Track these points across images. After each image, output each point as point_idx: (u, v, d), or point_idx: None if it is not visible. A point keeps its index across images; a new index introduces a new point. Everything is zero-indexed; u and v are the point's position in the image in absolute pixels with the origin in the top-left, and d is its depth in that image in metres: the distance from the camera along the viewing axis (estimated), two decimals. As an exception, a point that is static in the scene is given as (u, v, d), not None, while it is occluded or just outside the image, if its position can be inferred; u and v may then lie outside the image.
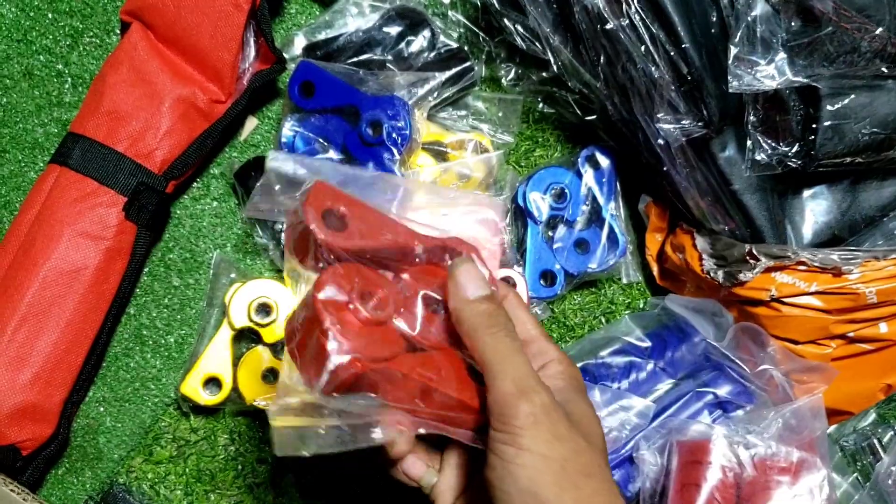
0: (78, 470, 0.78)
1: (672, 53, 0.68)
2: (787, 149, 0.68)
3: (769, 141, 0.69)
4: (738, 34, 0.63)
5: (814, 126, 0.67)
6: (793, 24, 0.63)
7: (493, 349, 0.45)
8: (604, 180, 0.82)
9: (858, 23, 0.62)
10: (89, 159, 0.75)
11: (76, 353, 0.74)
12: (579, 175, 0.82)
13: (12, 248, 0.74)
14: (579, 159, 0.82)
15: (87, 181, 0.75)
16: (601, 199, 0.82)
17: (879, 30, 0.62)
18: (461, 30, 0.84)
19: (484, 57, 0.84)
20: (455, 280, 0.47)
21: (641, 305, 0.85)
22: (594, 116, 0.81)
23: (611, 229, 0.81)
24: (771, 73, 0.64)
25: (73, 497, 0.78)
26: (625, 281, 0.84)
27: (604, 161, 0.82)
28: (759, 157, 0.68)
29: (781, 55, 0.65)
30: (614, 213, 0.82)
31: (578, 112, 0.81)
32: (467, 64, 0.80)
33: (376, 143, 0.75)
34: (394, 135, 0.74)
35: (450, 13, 0.84)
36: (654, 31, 0.68)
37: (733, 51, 0.63)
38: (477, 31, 0.84)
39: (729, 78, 0.63)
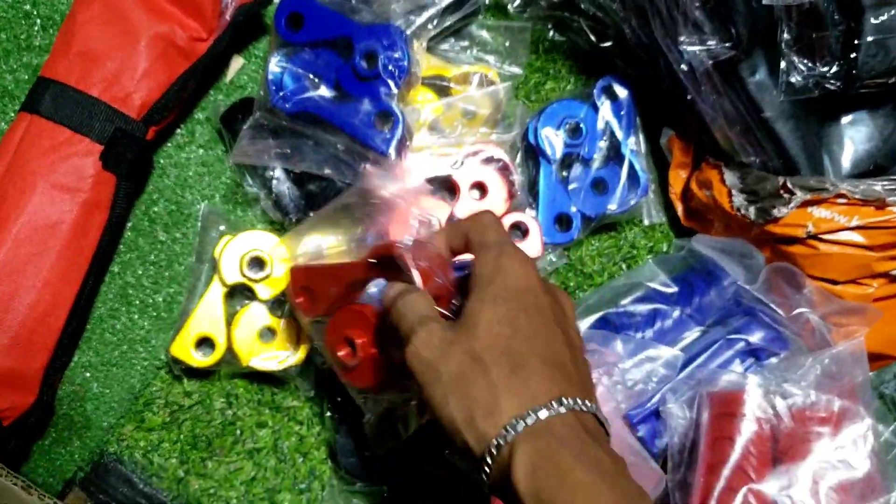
0: (65, 440, 0.73)
1: (697, -34, 0.61)
2: (825, 69, 0.62)
3: (805, 61, 0.62)
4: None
5: (856, 42, 0.60)
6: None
7: (398, 309, 0.50)
8: (622, 113, 0.76)
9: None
10: (61, 105, 0.69)
11: (56, 316, 0.68)
12: (595, 108, 0.75)
13: (-19, 204, 0.68)
14: (595, 91, 0.75)
15: (60, 129, 0.68)
16: (619, 134, 0.75)
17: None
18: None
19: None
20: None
21: (665, 248, 0.79)
22: (610, 43, 0.74)
23: (631, 166, 0.75)
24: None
25: (61, 468, 0.73)
26: (647, 222, 0.78)
27: (622, 92, 0.76)
28: (794, 79, 0.62)
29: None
30: (634, 149, 0.76)
31: (592, 38, 0.75)
32: (468, -13, 0.73)
33: (371, 76, 0.68)
34: (390, 67, 0.68)
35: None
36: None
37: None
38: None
39: (763, -12, 0.57)
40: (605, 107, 0.75)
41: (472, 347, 0.45)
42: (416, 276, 0.53)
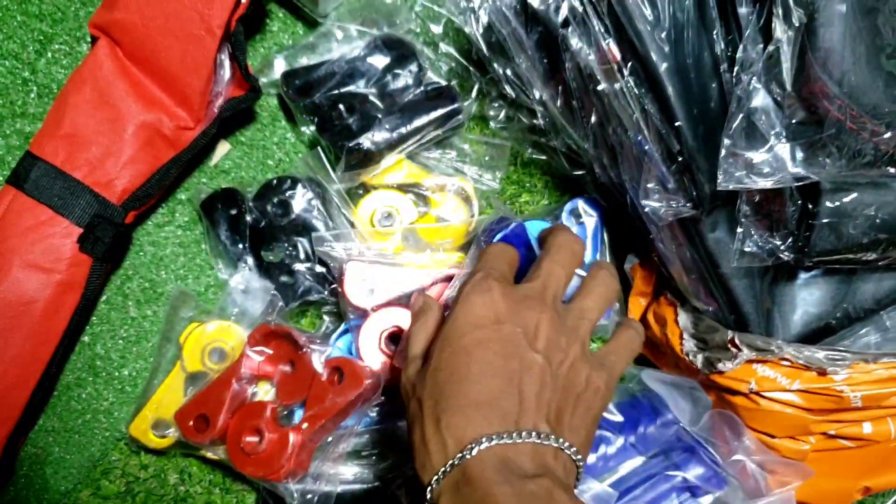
0: (23, 500, 0.76)
1: (663, 130, 0.63)
2: (779, 242, 0.63)
3: (761, 231, 0.64)
4: (734, 125, 0.58)
5: (811, 222, 0.61)
6: (794, 119, 0.57)
7: None
8: (588, 235, 0.77)
9: (866, 124, 0.56)
10: (45, 185, 0.71)
11: (22, 389, 0.71)
12: (563, 230, 0.77)
13: (-41, 276, 0.71)
14: (563, 213, 0.77)
15: (42, 208, 0.71)
16: (585, 257, 0.77)
17: (889, 133, 0.56)
18: (451, 63, 0.79)
19: (474, 94, 0.78)
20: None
21: (619, 369, 0.81)
22: (582, 172, 0.76)
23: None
24: (767, 164, 0.58)
25: (17, 527, 0.77)
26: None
27: (590, 215, 0.77)
28: (749, 247, 0.63)
29: (781, 146, 0.59)
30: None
31: (566, 165, 0.76)
32: (455, 105, 0.75)
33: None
34: None
35: (441, 44, 0.79)
36: (647, 102, 0.63)
37: (726, 143, 0.58)
38: (468, 65, 0.78)
39: (719, 174, 0.58)
40: (571, 229, 0.76)
41: (419, 394, 0.48)
42: None
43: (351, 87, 0.76)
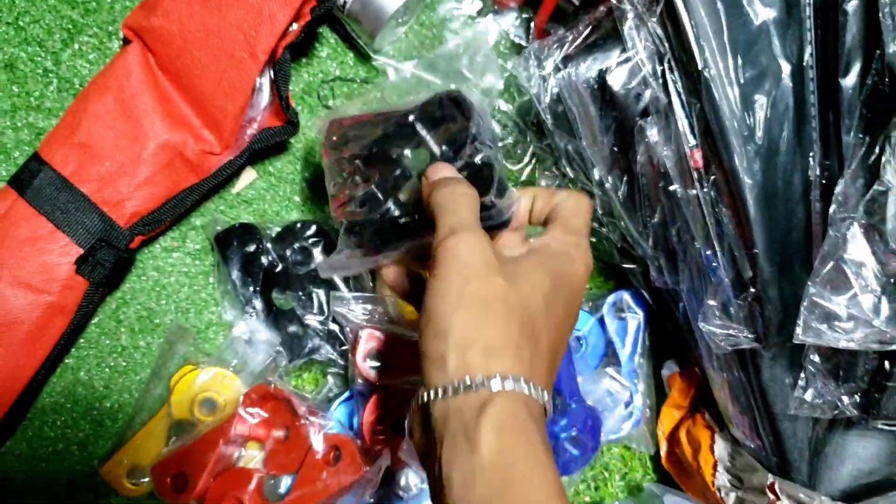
0: (-24, 526, 0.71)
1: (737, 253, 0.56)
2: (845, 396, 0.57)
3: (827, 381, 0.57)
4: (823, 272, 0.51)
5: (885, 382, 0.55)
6: (893, 280, 0.50)
7: (438, 206, 0.47)
8: (630, 332, 0.71)
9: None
10: (49, 195, 0.65)
11: (-6, 410, 0.65)
12: (602, 323, 0.70)
13: (-60, 282, 0.64)
14: (605, 305, 0.70)
15: (42, 221, 0.65)
16: (623, 356, 0.71)
17: None
18: (507, 122, 0.72)
19: (527, 158, 0.72)
20: (427, 172, 0.50)
21: (639, 478, 0.75)
22: (633, 266, 0.69)
23: (630, 394, 0.71)
24: (850, 325, 0.52)
25: (-33, 554, 0.71)
26: (635, 448, 0.73)
27: (634, 313, 0.71)
28: (809, 396, 0.57)
29: (868, 298, 0.53)
30: (636, 371, 0.71)
31: (616, 255, 0.69)
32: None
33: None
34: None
35: (499, 100, 0.72)
36: (724, 218, 0.57)
37: (811, 291, 0.51)
38: (525, 126, 0.72)
39: (798, 325, 0.51)
40: (611, 324, 0.70)
41: (509, 292, 0.43)
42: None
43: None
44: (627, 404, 0.71)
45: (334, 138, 0.58)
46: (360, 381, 0.67)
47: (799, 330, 0.51)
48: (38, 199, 0.65)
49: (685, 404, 0.71)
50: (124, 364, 0.72)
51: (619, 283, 0.73)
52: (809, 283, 0.51)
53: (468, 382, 0.39)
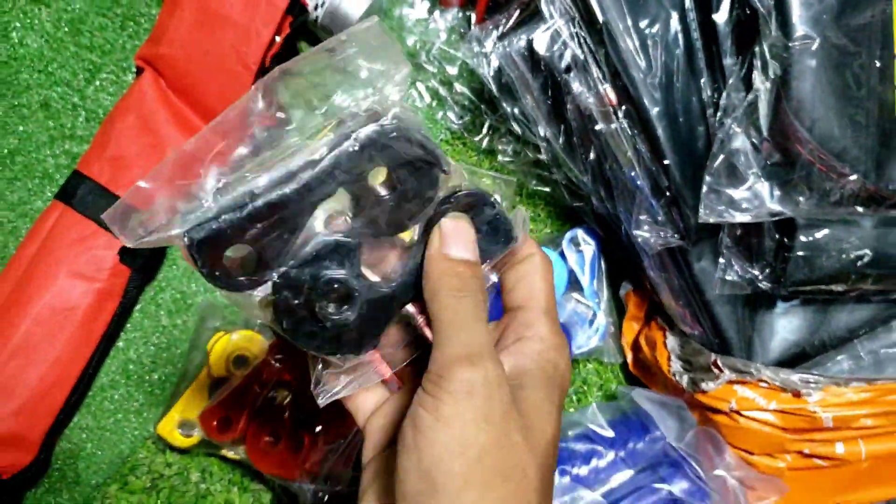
0: (56, 491, 0.82)
1: (653, 168, 0.69)
2: (757, 272, 0.69)
3: (741, 262, 0.70)
4: (716, 164, 0.64)
5: (786, 254, 0.67)
6: (770, 161, 0.64)
7: (453, 311, 0.37)
8: (587, 261, 0.83)
9: (835, 167, 0.62)
10: (91, 202, 0.78)
11: (61, 388, 0.78)
12: (563, 256, 0.83)
13: (10, 282, 0.77)
14: (564, 241, 0.83)
15: (88, 223, 0.78)
16: (584, 281, 0.83)
17: (854, 176, 0.62)
18: (465, 101, 0.86)
19: (485, 130, 0.85)
20: (441, 232, 0.40)
21: (614, 388, 0.87)
22: (581, 203, 0.82)
23: (593, 313, 0.83)
24: (745, 205, 0.65)
25: (50, 516, 0.83)
26: (606, 360, 0.85)
27: (588, 244, 0.83)
28: (730, 276, 0.70)
29: (760, 185, 0.66)
30: (597, 293, 0.84)
31: (567, 196, 0.82)
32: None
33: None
34: None
35: (455, 84, 0.86)
36: (639, 142, 0.70)
37: (708, 181, 0.64)
38: (480, 104, 0.85)
39: (701, 208, 0.64)
40: (571, 256, 0.83)
41: (531, 457, 0.36)
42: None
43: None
44: (592, 322, 0.83)
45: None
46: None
47: (702, 211, 0.64)
48: (83, 206, 0.78)
49: (641, 315, 0.83)
50: (166, 341, 0.84)
51: (573, 222, 0.86)
52: (706, 174, 0.64)
53: None
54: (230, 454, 0.79)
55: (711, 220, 0.64)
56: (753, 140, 0.64)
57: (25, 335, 0.76)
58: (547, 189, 0.85)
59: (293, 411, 0.76)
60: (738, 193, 0.65)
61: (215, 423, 0.77)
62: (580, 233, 0.83)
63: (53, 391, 0.77)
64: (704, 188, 0.64)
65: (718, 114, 0.66)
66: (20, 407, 0.76)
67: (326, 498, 0.74)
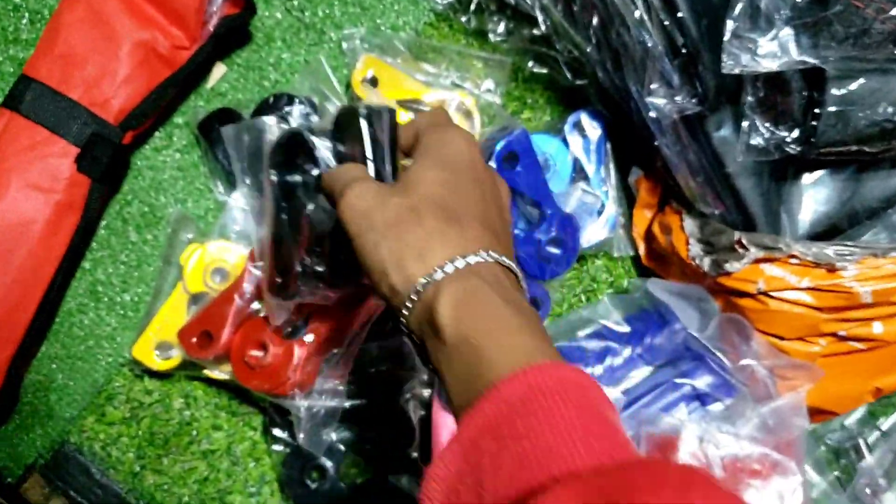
0: (28, 427, 0.76)
1: (667, 22, 0.62)
2: (785, 133, 0.62)
3: (767, 124, 0.63)
4: (739, 7, 0.57)
5: (817, 111, 0.61)
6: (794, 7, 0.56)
7: (329, 177, 0.51)
8: (592, 148, 0.76)
9: (872, 1, 0.55)
10: (41, 106, 0.70)
11: (23, 310, 0.71)
12: (566, 143, 0.76)
13: (-44, 197, 0.70)
14: (566, 126, 0.76)
15: (39, 129, 0.70)
16: (589, 170, 0.76)
17: (895, 9, 0.55)
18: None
19: (472, 7, 0.77)
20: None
21: (625, 285, 0.80)
22: (585, 81, 0.75)
23: (601, 203, 0.76)
24: (772, 52, 0.58)
25: (23, 454, 0.76)
26: (616, 254, 0.79)
27: (593, 128, 0.76)
28: (755, 140, 0.63)
29: (786, 32, 0.58)
30: (604, 180, 0.77)
31: (569, 75, 0.75)
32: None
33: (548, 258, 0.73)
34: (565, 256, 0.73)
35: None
36: (650, -3, 0.62)
37: (731, 26, 0.57)
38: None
39: (724, 57, 0.57)
40: (574, 142, 0.76)
41: (409, 200, 0.45)
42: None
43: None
44: (600, 212, 0.76)
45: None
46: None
47: (725, 60, 0.57)
48: (32, 111, 0.70)
49: (654, 202, 0.76)
50: (136, 258, 0.77)
51: (575, 106, 0.79)
52: (728, 19, 0.57)
53: (418, 288, 0.43)
54: (214, 374, 0.72)
55: (735, 71, 0.57)
56: (781, -22, 0.57)
57: (-22, 255, 0.69)
58: (545, 70, 0.78)
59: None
60: (763, 42, 0.58)
61: (195, 339, 0.70)
62: (584, 116, 0.76)
63: (16, 314, 0.70)
64: (727, 35, 0.57)
65: (739, -48, 0.58)
66: (-22, 333, 0.69)
67: (322, 412, 0.68)
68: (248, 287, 0.70)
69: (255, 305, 0.71)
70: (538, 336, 0.41)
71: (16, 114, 0.70)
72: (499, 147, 0.70)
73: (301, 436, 0.68)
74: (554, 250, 0.72)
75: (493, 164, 0.69)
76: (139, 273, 0.77)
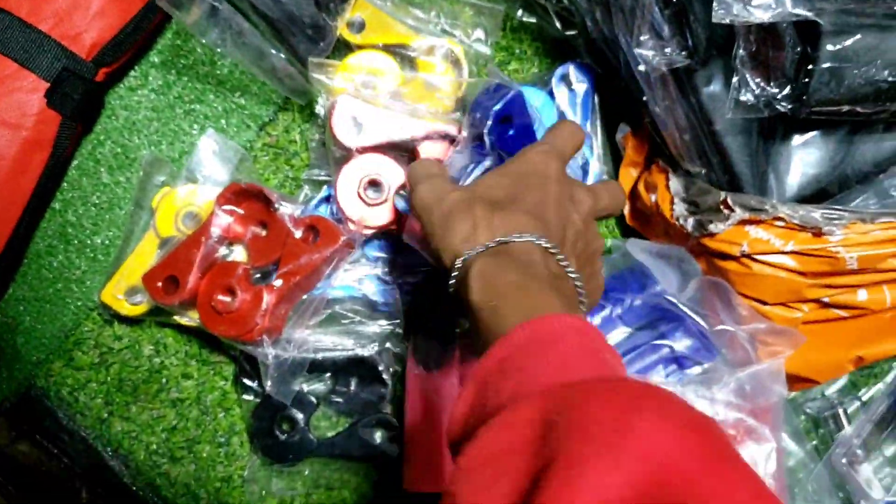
0: (-6, 369, 0.75)
1: (659, -30, 0.60)
2: (776, 90, 0.60)
3: (758, 79, 0.60)
4: (732, -46, 0.54)
5: (810, 67, 0.58)
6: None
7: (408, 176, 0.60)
8: (578, 101, 0.74)
9: (873, -50, 0.53)
10: (9, 38, 0.68)
11: (-11, 250, 0.69)
12: (552, 96, 0.74)
13: (-79, 131, 0.68)
14: (553, 78, 0.74)
15: (6, 62, 0.68)
16: (575, 124, 0.74)
17: (896, -39, 0.53)
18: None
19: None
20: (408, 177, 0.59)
21: (608, 245, 0.79)
22: (574, 31, 0.72)
23: (585, 159, 0.74)
24: (765, 3, 0.55)
25: (-13, 396, 0.75)
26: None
27: (581, 81, 0.74)
28: (745, 97, 0.60)
29: (781, -17, 0.56)
30: (590, 136, 0.75)
31: (558, 25, 0.73)
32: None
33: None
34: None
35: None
36: (641, -60, 0.60)
37: (723, -27, 0.54)
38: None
39: (715, 5, 0.55)
40: (561, 95, 0.74)
41: (465, 195, 0.54)
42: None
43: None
44: (585, 169, 0.74)
45: None
46: (335, 148, 0.70)
47: (716, 8, 0.55)
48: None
49: (640, 160, 0.74)
50: (107, 200, 0.75)
51: (564, 57, 0.76)
52: (720, -35, 0.54)
53: (458, 265, 0.51)
54: (184, 321, 0.70)
55: (726, 21, 0.55)
56: (777, -77, 0.54)
57: (-59, 189, 0.67)
58: (534, 20, 0.75)
59: (248, 268, 0.67)
60: (756, -8, 0.56)
61: (160, 283, 0.68)
62: (572, 69, 0.74)
63: (-21, 254, 0.68)
64: (719, -17, 0.54)
65: None
66: (-59, 270, 0.67)
67: (290, 361, 0.67)
68: (215, 231, 0.68)
69: (224, 250, 0.69)
70: (554, 297, 0.46)
71: (-18, 46, 0.68)
72: (496, 108, 0.67)
73: (269, 383, 0.67)
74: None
75: (489, 122, 0.67)
76: (110, 216, 0.75)
